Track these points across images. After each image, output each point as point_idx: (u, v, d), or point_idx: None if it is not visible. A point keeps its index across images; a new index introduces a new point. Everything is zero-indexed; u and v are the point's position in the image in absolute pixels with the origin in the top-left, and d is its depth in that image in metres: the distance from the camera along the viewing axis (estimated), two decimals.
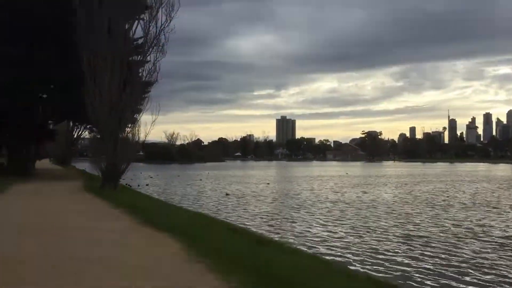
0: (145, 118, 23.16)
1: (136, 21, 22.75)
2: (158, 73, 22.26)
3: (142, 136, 22.25)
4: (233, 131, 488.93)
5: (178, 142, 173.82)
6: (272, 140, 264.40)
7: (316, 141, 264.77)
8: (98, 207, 14.51)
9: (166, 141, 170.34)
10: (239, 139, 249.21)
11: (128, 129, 22.04)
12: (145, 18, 22.64)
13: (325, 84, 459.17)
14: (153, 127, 22.20)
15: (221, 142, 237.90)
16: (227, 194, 31.47)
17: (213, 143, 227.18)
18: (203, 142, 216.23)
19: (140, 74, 22.96)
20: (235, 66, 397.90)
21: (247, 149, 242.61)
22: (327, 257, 10.70)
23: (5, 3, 27.69)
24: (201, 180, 49.16)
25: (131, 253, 7.61)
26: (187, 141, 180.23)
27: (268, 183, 45.02)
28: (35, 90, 29.18)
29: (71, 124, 74.81)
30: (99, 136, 23.65)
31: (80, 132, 75.25)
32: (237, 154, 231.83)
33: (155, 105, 22.06)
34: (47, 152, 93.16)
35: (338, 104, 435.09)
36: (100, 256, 7.32)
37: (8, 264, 6.62)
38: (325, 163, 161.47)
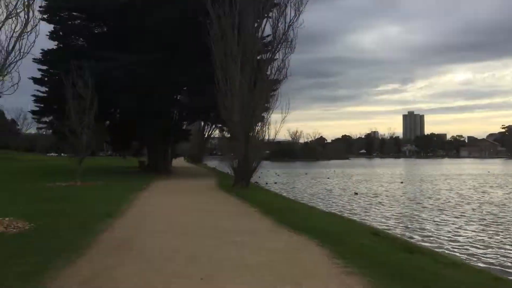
0: (274, 116, 23.16)
1: (265, 19, 22.75)
2: (287, 69, 22.03)
3: (272, 134, 22.16)
4: (357, 128, 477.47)
5: (301, 140, 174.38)
6: (398, 136, 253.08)
7: (448, 137, 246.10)
8: (234, 206, 14.58)
9: (290, 139, 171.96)
10: (363, 136, 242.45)
11: (258, 128, 22.10)
12: (273, 15, 22.57)
13: (457, 75, 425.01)
14: (282, 125, 22.04)
15: (345, 139, 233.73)
16: (355, 193, 30.23)
17: (337, 141, 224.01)
18: (326, 140, 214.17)
19: (269, 72, 22.92)
20: (358, 62, 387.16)
21: (372, 146, 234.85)
22: (496, 272, 9.19)
23: (142, 11, 29.73)
24: (328, 178, 48.23)
25: (278, 258, 7.18)
26: (310, 139, 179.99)
27: (401, 182, 42.45)
28: (171, 93, 31.00)
29: (202, 124, 79.57)
30: (230, 135, 24.19)
31: (210, 132, 79.64)
32: (361, 151, 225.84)
33: (284, 103, 21.86)
34: (182, 151, 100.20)
35: (472, 96, 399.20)
36: (246, 260, 7.03)
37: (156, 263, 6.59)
38: (459, 160, 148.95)
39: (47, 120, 35.75)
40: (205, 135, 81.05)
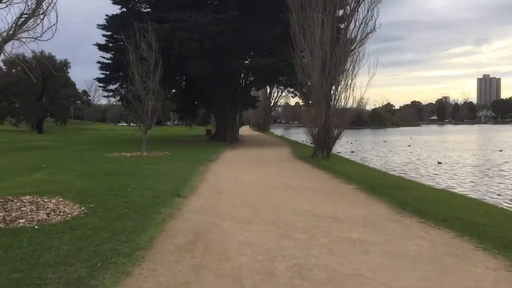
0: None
1: None
2: (375, 20, 18.74)
3: (357, 98, 19.13)
4: (427, 94, 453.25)
5: (367, 107, 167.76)
6: (471, 102, 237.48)
7: None
8: (325, 182, 11.99)
9: (355, 106, 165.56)
10: (434, 102, 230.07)
11: (341, 90, 19.18)
12: None
13: None
14: (368, 87, 18.91)
15: (415, 105, 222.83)
16: (439, 163, 27.10)
17: (406, 107, 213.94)
18: (394, 106, 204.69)
19: (353, 25, 19.75)
20: (426, 24, 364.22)
21: (444, 112, 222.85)
22: None
23: None
24: (409, 146, 44.21)
25: (433, 276, 4.56)
26: (377, 106, 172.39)
27: (500, 150, 37.76)
28: (242, 55, 28.57)
29: (268, 90, 77.13)
30: (307, 100, 21.48)
31: (277, 99, 77.19)
32: (432, 118, 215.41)
33: (368, 63, 18.67)
34: (246, 119, 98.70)
35: None
36: (383, 277, 4.47)
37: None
38: None
39: (113, 88, 34.75)
40: (271, 102, 78.77)
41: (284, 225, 6.77)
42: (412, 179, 17.19)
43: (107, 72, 33.09)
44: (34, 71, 63.31)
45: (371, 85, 18.65)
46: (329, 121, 18.79)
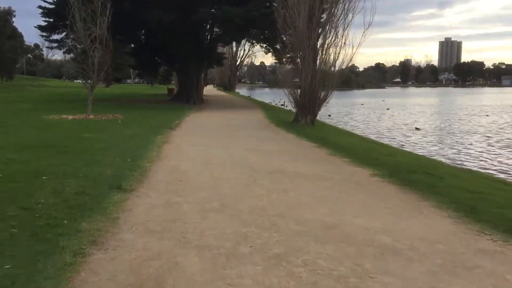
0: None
1: None
2: None
3: (349, 54, 15.82)
4: (391, 56, 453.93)
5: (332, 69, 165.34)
6: (433, 65, 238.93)
7: (487, 65, 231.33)
8: (329, 163, 8.78)
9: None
10: (397, 64, 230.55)
11: (329, 43, 15.88)
12: None
13: None
14: (361, 43, 15.66)
15: (379, 67, 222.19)
16: (416, 128, 24.93)
17: (370, 69, 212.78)
18: (358, 68, 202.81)
19: None
20: None
21: (407, 75, 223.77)
22: None
23: None
24: (388, 109, 41.67)
25: None
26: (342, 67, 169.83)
27: (487, 115, 35.74)
28: (206, 3, 24.60)
29: (234, 48, 72.78)
30: (289, 56, 18.12)
31: (244, 57, 72.86)
32: (396, 80, 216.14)
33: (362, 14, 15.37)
34: (213, 77, 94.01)
35: None
36: None
37: None
38: (503, 89, 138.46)
39: (59, 38, 30.03)
40: (237, 60, 74.52)
41: (305, 271, 3.63)
42: (424, 155, 14.31)
43: (50, 19, 28.32)
44: None
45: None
46: (316, 81, 15.62)
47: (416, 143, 19.21)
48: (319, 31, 15.97)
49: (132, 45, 37.15)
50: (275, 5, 15.92)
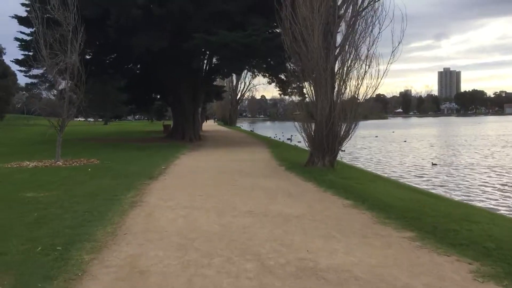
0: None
1: None
2: None
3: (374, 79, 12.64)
4: (390, 87, 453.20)
5: None
6: (434, 94, 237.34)
7: (488, 93, 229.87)
8: (395, 250, 5.32)
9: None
10: (397, 95, 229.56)
11: (350, 69, 12.78)
12: None
13: (494, 29, 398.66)
14: (388, 69, 12.55)
15: (379, 98, 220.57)
16: (433, 164, 21.71)
17: (371, 99, 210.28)
18: (359, 99, 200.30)
19: None
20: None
21: (409, 105, 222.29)
22: None
23: None
24: (405, 141, 38.29)
25: None
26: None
27: None
28: (201, 29, 21.77)
29: (234, 82, 70.30)
30: (299, 82, 14.99)
31: (245, 90, 70.25)
32: (397, 110, 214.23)
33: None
34: (213, 112, 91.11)
35: (510, 51, 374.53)
36: None
37: None
38: (509, 117, 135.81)
39: (40, 74, 27.16)
40: (238, 94, 72.00)
41: None
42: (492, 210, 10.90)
43: (30, 52, 25.53)
44: None
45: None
46: (335, 113, 12.45)
47: (475, 187, 15.83)
48: (337, 51, 12.90)
49: (123, 79, 34.39)
50: (282, 19, 12.88)
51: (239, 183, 10.46)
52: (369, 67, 12.49)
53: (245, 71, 39.19)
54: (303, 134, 13.31)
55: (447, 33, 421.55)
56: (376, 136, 46.00)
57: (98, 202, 7.76)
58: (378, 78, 12.64)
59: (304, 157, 14.14)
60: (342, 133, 12.83)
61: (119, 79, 35.07)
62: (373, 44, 12.29)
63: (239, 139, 31.77)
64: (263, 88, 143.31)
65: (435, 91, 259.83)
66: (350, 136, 12.96)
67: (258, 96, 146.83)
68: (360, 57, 12.62)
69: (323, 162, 12.90)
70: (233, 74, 37.14)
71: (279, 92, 30.02)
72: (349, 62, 12.58)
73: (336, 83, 12.84)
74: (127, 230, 5.99)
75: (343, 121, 12.76)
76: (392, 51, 12.33)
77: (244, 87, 69.78)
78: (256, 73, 29.58)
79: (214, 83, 38.86)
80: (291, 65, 25.11)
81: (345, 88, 12.75)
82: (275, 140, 34.47)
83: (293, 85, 27.65)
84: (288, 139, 40.12)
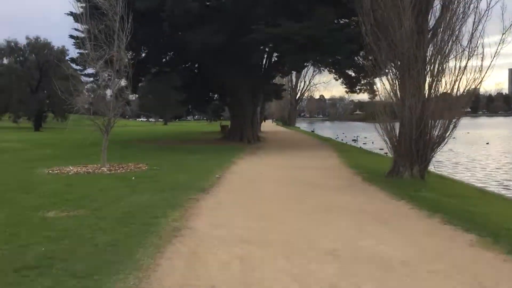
0: None
1: None
2: None
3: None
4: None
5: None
6: (506, 93, 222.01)
7: None
8: None
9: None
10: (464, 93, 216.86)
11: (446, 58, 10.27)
12: None
13: None
14: (498, 54, 9.93)
15: (444, 96, 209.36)
16: None
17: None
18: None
19: None
20: None
21: (478, 104, 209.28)
22: None
23: None
24: (488, 143, 34.32)
25: None
26: None
27: None
28: (261, 21, 19.79)
29: (293, 80, 67.98)
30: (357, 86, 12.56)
31: (306, 89, 67.74)
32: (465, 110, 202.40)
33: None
34: (271, 112, 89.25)
35: None
36: None
37: None
38: None
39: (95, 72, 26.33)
40: (297, 93, 69.68)
41: None
42: None
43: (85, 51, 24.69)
44: (28, 60, 56.25)
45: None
46: (429, 112, 10.03)
47: None
48: (429, 37, 10.45)
49: (180, 78, 33.20)
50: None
51: (310, 200, 8.30)
52: (472, 55, 9.92)
53: (306, 68, 36.86)
54: (385, 137, 10.93)
55: None
56: (454, 138, 41.83)
57: (130, 229, 5.91)
58: (481, 68, 10.01)
59: (381, 163, 11.76)
60: (436, 136, 10.34)
61: (176, 78, 34.01)
62: (478, 22, 9.70)
63: (300, 141, 29.53)
64: (323, 87, 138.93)
65: (505, 89, 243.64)
66: (446, 140, 10.43)
67: (316, 96, 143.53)
68: (459, 42, 10.06)
69: (411, 172, 10.48)
70: (293, 71, 34.80)
71: (346, 89, 27.46)
72: (446, 48, 10.06)
73: (429, 75, 10.36)
74: (158, 285, 4.04)
75: (438, 121, 10.26)
76: (503, 33, 9.71)
77: (303, 86, 67.35)
78: (321, 69, 27.06)
79: (273, 82, 36.89)
80: (361, 58, 22.78)
81: (440, 81, 10.23)
82: (340, 142, 31.88)
83: (362, 81, 25.23)
84: (353, 140, 37.35)
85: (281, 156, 18.25)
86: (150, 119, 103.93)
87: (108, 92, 13.94)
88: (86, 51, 13.00)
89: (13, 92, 51.34)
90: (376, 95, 27.20)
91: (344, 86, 27.29)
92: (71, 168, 12.61)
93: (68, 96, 13.11)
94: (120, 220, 6.41)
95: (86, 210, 7.08)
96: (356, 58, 22.50)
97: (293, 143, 27.47)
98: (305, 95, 75.47)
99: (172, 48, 25.41)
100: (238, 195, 8.99)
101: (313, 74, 61.50)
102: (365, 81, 24.69)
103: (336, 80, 27.50)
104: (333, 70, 26.51)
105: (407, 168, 10.53)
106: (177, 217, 6.65)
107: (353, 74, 25.24)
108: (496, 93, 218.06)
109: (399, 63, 10.41)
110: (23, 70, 53.33)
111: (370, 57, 12.93)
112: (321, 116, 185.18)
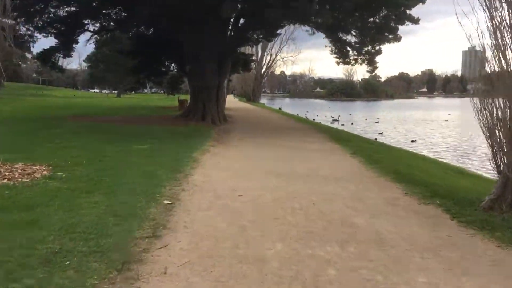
0: None
1: None
2: None
3: None
4: (412, 66, 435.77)
5: (354, 78, 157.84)
6: (456, 74, 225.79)
7: None
8: None
9: (343, 77, 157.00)
10: (420, 73, 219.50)
11: None
12: None
13: None
14: None
15: (403, 77, 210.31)
16: None
17: (394, 78, 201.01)
18: (380, 77, 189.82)
19: None
20: None
21: (434, 84, 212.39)
22: None
23: None
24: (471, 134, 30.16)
25: None
26: (365, 77, 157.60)
27: None
28: None
29: (260, 51, 62.40)
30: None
31: (272, 62, 62.29)
32: (422, 90, 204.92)
33: None
34: (232, 86, 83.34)
35: None
36: None
37: None
38: None
39: None
40: (263, 67, 64.33)
41: None
42: None
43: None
44: None
45: None
46: None
47: None
48: None
49: (130, 40, 27.28)
50: None
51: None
52: None
53: (274, 40, 31.55)
54: (488, 141, 5.98)
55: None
56: (446, 120, 38.22)
57: None
58: None
59: (430, 167, 6.89)
60: None
61: (126, 42, 28.21)
62: None
63: (277, 122, 24.39)
64: (290, 62, 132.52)
65: (458, 71, 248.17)
66: None
67: (277, 72, 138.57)
68: None
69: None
70: (264, 39, 29.40)
71: (337, 59, 22.22)
72: None
73: None
74: None
75: None
76: None
77: (270, 60, 62.10)
78: (313, 31, 21.56)
79: (241, 51, 31.57)
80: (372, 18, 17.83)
81: None
82: (333, 128, 26.21)
83: (365, 48, 20.13)
84: (334, 120, 33.07)
85: (261, 149, 12.92)
86: (103, 91, 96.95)
87: None
88: None
89: None
90: (376, 67, 22.79)
91: (335, 56, 22.07)
92: None
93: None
94: None
95: None
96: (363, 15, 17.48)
97: (269, 126, 22.25)
98: (271, 69, 70.34)
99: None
100: (203, 253, 3.83)
101: (280, 47, 56.47)
102: (367, 48, 19.82)
103: (332, 51, 21.94)
104: (326, 33, 20.99)
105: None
106: None
107: (353, 40, 20.08)
108: (450, 75, 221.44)
109: None
110: None
111: None
112: (281, 92, 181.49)
